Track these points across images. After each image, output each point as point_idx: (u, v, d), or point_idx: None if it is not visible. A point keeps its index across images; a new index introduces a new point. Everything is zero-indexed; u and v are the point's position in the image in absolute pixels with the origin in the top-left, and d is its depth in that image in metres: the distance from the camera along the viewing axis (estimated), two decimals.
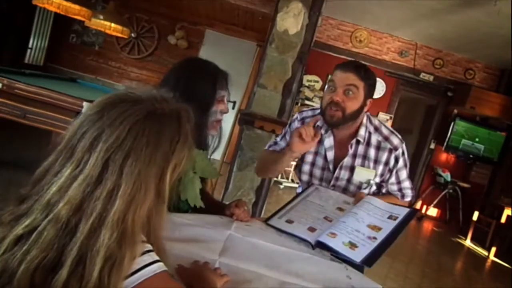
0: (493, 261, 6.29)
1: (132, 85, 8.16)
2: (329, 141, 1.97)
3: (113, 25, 5.11)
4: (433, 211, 8.04)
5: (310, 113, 2.10)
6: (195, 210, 1.78)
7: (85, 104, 3.40)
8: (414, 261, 5.25)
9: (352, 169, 1.93)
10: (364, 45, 7.47)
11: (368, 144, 1.93)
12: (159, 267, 0.86)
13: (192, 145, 0.97)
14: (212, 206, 1.77)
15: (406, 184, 2.01)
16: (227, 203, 1.81)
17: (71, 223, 0.78)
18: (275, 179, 7.23)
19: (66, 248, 0.77)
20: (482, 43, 6.44)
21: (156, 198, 0.89)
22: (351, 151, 1.93)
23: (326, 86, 1.91)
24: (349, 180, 1.95)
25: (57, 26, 8.01)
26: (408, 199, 2.06)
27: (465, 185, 7.61)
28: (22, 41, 7.46)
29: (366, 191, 1.94)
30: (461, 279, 5.19)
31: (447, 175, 7.69)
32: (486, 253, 6.52)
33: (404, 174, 1.97)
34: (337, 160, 1.97)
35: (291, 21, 3.65)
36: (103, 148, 0.81)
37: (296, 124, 2.10)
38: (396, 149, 1.90)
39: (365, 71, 1.83)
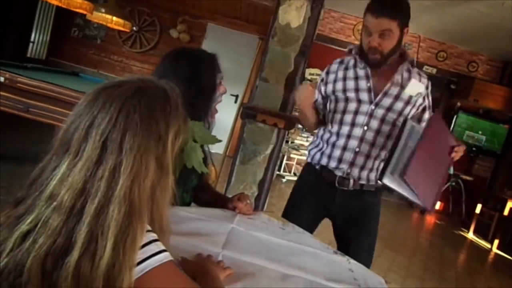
0: (495, 254, 6.30)
1: None
2: (363, 72, 2.00)
3: (114, 18, 5.10)
4: (436, 204, 8.02)
5: (338, 59, 2.16)
6: (197, 203, 1.79)
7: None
8: (416, 254, 5.25)
9: (397, 97, 1.96)
10: None
11: (409, 72, 2.00)
12: (166, 256, 0.87)
13: (185, 116, 0.99)
14: (215, 200, 1.78)
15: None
16: (230, 196, 1.82)
17: (76, 206, 0.79)
18: (278, 172, 7.24)
19: (75, 231, 0.78)
20: (485, 35, 6.41)
21: (158, 170, 0.90)
22: (397, 79, 1.97)
23: (363, 29, 1.95)
24: (389, 109, 1.97)
25: (59, 19, 8.00)
26: None
27: (468, 178, 7.61)
28: (24, 35, 7.45)
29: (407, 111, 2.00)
30: (464, 271, 5.20)
31: (449, 168, 7.66)
32: (488, 246, 6.52)
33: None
34: (376, 89, 1.98)
35: (293, 14, 3.63)
36: (98, 132, 0.82)
37: (328, 68, 2.17)
38: (429, 87, 2.05)
39: (395, 8, 1.84)
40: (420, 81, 2.00)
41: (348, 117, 2.02)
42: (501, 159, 7.68)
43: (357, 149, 1.99)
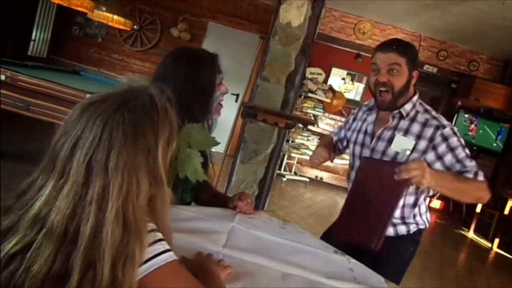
0: (496, 253, 6.30)
1: (135, 77, 8.16)
2: (371, 118, 2.02)
3: (115, 17, 5.10)
4: (436, 203, 8.03)
5: (371, 103, 2.08)
6: (198, 202, 1.79)
7: (88, 96, 3.40)
8: (416, 253, 5.24)
9: (390, 140, 1.89)
10: (367, 37, 7.43)
11: (412, 120, 1.88)
12: (170, 256, 0.87)
13: (177, 120, 0.95)
14: (215, 199, 1.78)
15: (469, 163, 1.83)
16: (230, 195, 1.82)
17: (69, 231, 0.78)
18: (278, 171, 7.24)
19: (71, 257, 0.77)
20: (486, 34, 6.40)
21: (154, 184, 0.88)
22: (392, 123, 1.91)
23: (371, 71, 1.91)
24: (384, 152, 1.91)
25: (60, 18, 7.99)
26: (481, 178, 1.82)
27: None
28: (25, 34, 7.45)
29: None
30: (464, 270, 5.20)
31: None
32: (489, 245, 6.52)
33: (462, 153, 1.81)
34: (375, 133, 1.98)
35: (294, 13, 3.63)
36: (82, 153, 0.80)
37: (356, 113, 2.20)
38: (444, 127, 1.81)
39: (404, 47, 1.83)
40: (421, 130, 1.85)
41: (356, 162, 2.07)
42: (501, 158, 7.67)
43: None
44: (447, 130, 1.81)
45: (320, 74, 7.96)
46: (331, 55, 7.79)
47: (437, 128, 1.82)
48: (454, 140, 1.81)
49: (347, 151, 2.27)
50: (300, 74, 3.75)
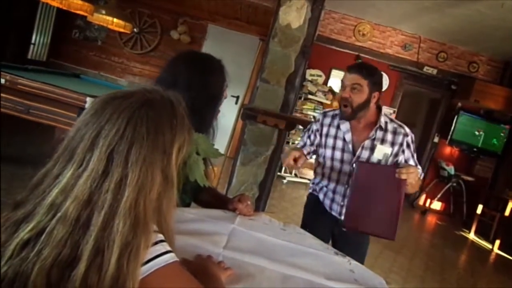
0: (497, 254, 6.29)
1: (135, 80, 8.17)
2: (345, 126, 2.30)
3: (115, 20, 5.09)
4: (437, 205, 8.03)
5: (330, 113, 2.43)
6: (198, 204, 1.80)
7: (88, 99, 3.40)
8: (417, 254, 5.25)
9: (372, 149, 2.24)
10: (367, 39, 7.43)
11: (385, 130, 2.25)
12: (172, 257, 0.88)
13: (190, 127, 0.99)
14: (215, 201, 1.78)
15: (419, 164, 2.28)
16: (231, 197, 1.82)
17: (82, 218, 0.79)
18: (278, 173, 7.23)
19: (81, 242, 0.78)
20: (486, 36, 6.41)
21: (164, 182, 0.90)
22: (374, 134, 2.24)
23: (340, 87, 2.29)
24: (368, 160, 2.25)
25: (60, 21, 8.00)
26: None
27: (469, 178, 7.59)
28: (25, 37, 7.45)
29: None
30: (465, 272, 5.19)
31: (451, 169, 7.67)
32: (490, 246, 6.52)
33: (415, 157, 2.29)
34: (356, 143, 2.28)
35: (293, 15, 3.64)
36: (105, 143, 0.83)
37: (322, 119, 2.42)
38: (407, 135, 2.25)
39: (367, 70, 2.20)
40: (393, 138, 2.24)
41: (336, 165, 2.34)
42: (502, 159, 7.66)
43: (342, 203, 2.34)
44: (410, 138, 2.26)
45: (320, 75, 7.97)
46: (331, 57, 7.80)
47: (404, 135, 2.25)
48: (413, 147, 2.28)
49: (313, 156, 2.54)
50: (300, 76, 3.75)
